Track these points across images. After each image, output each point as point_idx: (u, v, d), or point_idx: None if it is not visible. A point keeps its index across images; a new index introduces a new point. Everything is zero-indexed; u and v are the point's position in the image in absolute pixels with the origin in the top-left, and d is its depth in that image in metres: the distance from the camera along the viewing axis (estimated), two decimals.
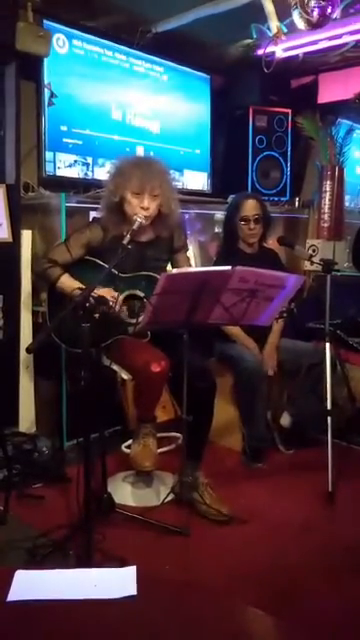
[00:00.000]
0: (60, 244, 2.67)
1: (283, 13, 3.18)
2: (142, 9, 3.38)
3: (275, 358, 3.17)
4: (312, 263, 3.08)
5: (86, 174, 3.47)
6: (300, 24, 3.03)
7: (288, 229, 4.46)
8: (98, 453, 2.35)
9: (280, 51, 3.61)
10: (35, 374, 3.19)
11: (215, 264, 3.32)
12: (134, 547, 2.22)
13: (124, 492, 2.66)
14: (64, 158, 3.36)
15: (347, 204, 4.39)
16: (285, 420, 3.23)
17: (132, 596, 1.11)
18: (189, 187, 4.09)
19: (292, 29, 3.28)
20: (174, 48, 3.80)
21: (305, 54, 3.84)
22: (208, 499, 2.52)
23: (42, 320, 3.11)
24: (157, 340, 2.57)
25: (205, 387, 2.52)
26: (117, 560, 2.05)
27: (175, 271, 2.56)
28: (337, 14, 3.13)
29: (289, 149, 4.31)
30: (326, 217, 4.04)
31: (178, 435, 2.88)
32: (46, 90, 3.23)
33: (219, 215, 4.05)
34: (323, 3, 2.87)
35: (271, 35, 3.33)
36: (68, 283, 2.54)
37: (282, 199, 4.34)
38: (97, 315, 2.23)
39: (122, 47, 3.60)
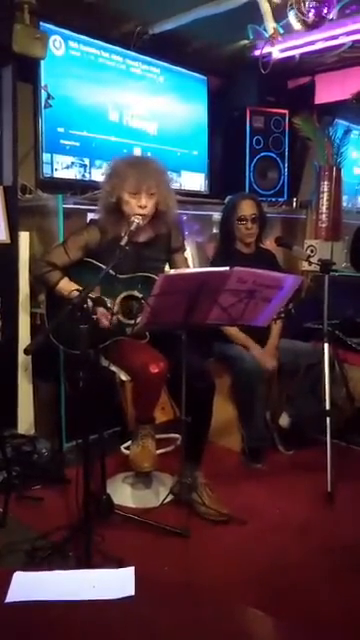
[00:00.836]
0: (58, 246, 2.67)
1: (279, 14, 3.18)
2: (138, 11, 3.38)
3: (276, 356, 3.16)
4: (310, 263, 3.09)
5: (83, 176, 3.47)
6: (296, 25, 3.04)
7: (286, 230, 4.46)
8: (97, 454, 2.34)
9: (277, 52, 3.62)
10: (34, 376, 3.19)
11: (212, 265, 3.32)
12: (133, 548, 2.22)
13: (123, 493, 2.66)
14: (61, 160, 3.36)
15: (345, 204, 4.39)
16: (284, 420, 3.23)
17: (130, 597, 1.11)
18: (186, 188, 4.09)
19: (288, 30, 3.29)
20: (171, 49, 3.80)
21: (302, 55, 3.86)
22: (207, 500, 2.52)
23: (40, 322, 3.11)
24: (155, 341, 2.57)
25: (204, 388, 2.52)
26: (117, 561, 2.05)
27: (173, 272, 2.56)
28: (333, 15, 3.14)
29: (286, 150, 4.31)
30: (324, 217, 4.04)
31: (177, 436, 2.88)
32: (43, 92, 3.23)
33: (217, 216, 4.04)
34: (318, 4, 2.88)
35: (268, 36, 3.33)
36: (66, 286, 2.53)
37: (280, 200, 4.35)
38: (95, 317, 2.23)
39: (119, 49, 3.61)
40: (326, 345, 2.85)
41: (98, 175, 3.42)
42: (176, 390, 2.40)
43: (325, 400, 2.77)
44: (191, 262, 3.81)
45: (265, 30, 3.37)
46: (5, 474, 2.65)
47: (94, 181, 3.39)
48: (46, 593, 1.12)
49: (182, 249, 2.83)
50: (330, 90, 4.29)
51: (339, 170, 4.04)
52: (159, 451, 2.62)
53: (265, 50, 3.52)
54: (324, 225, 4.04)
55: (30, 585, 1.15)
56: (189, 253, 3.83)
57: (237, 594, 2.02)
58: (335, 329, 3.04)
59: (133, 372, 2.51)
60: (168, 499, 2.56)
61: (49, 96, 3.26)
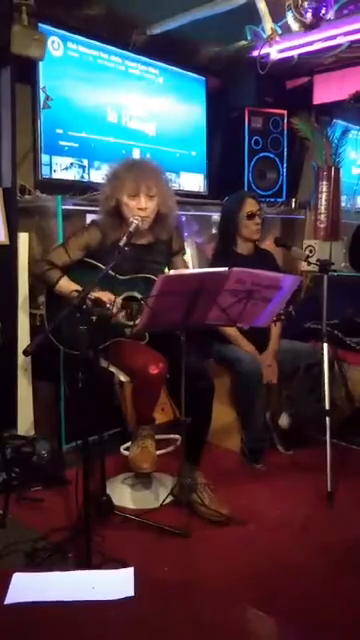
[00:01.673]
0: (59, 246, 2.68)
1: (277, 14, 3.18)
2: (137, 11, 3.38)
3: (276, 367, 3.15)
4: (309, 263, 3.09)
5: (82, 177, 3.47)
6: (294, 25, 3.04)
7: (285, 230, 4.47)
8: (97, 455, 2.34)
9: (275, 52, 3.61)
10: (33, 377, 3.19)
11: (211, 266, 3.32)
12: (133, 549, 2.22)
13: (123, 494, 2.66)
14: (60, 161, 3.36)
15: (343, 204, 4.39)
16: (284, 421, 3.22)
17: (130, 597, 1.12)
18: (185, 189, 4.09)
19: (287, 30, 3.29)
20: (169, 50, 3.80)
21: (300, 55, 3.86)
22: (207, 500, 2.52)
23: (40, 322, 3.11)
24: (155, 342, 2.57)
25: (203, 388, 2.53)
26: (117, 562, 2.05)
27: (172, 273, 2.55)
28: (331, 15, 3.14)
29: (285, 150, 4.32)
30: (322, 217, 4.04)
31: (177, 437, 2.88)
32: (41, 93, 3.23)
33: (216, 217, 4.05)
34: (316, 4, 2.88)
35: (266, 36, 3.34)
36: (66, 286, 2.54)
37: (278, 200, 4.35)
38: (94, 317, 2.23)
39: (117, 49, 3.61)
40: (325, 345, 2.85)
41: (97, 176, 3.42)
42: (176, 391, 2.41)
43: (325, 400, 2.77)
44: (190, 263, 3.82)
45: (263, 30, 3.37)
46: (5, 475, 2.65)
47: (93, 182, 3.39)
48: (46, 594, 1.13)
49: (182, 252, 2.83)
50: (328, 90, 4.29)
51: (337, 170, 4.05)
52: (159, 452, 2.62)
53: (263, 51, 3.51)
54: (323, 225, 4.04)
55: (30, 586, 1.15)
56: (188, 254, 3.84)
57: (237, 594, 2.01)
58: (334, 329, 3.04)
59: (133, 373, 2.51)
60: (168, 500, 2.56)
61: (47, 97, 3.26)
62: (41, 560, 2.11)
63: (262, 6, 3.14)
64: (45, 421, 3.22)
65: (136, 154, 3.72)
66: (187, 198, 3.88)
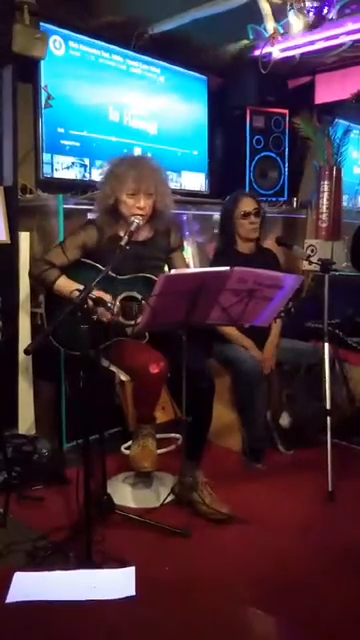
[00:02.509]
0: (56, 246, 2.67)
1: (279, 14, 3.18)
2: (138, 11, 3.38)
3: (274, 358, 3.16)
4: (310, 263, 3.09)
5: (84, 176, 3.47)
6: (296, 25, 3.04)
7: (286, 229, 4.46)
8: (98, 454, 2.34)
9: (277, 52, 3.62)
10: (34, 376, 3.19)
11: (212, 265, 3.32)
12: (134, 548, 2.22)
13: (124, 493, 2.66)
14: (61, 160, 3.36)
15: (345, 204, 4.39)
16: (284, 420, 3.22)
17: (131, 597, 1.12)
18: (187, 188, 4.09)
19: (288, 30, 3.29)
20: (171, 49, 3.80)
21: (302, 54, 3.85)
22: (208, 499, 2.52)
23: (40, 322, 3.11)
24: (155, 341, 2.57)
25: (204, 388, 2.52)
26: (117, 561, 2.05)
27: (173, 272, 2.55)
28: (333, 14, 3.14)
29: (287, 149, 4.32)
30: (324, 217, 4.04)
31: (177, 436, 2.88)
32: (43, 92, 3.23)
33: (217, 216, 4.04)
34: (319, 4, 2.88)
35: (268, 36, 3.34)
36: (66, 285, 2.53)
37: (280, 199, 4.35)
38: (95, 317, 2.23)
39: (119, 49, 3.61)
40: (326, 345, 2.84)
41: (98, 175, 3.42)
42: (176, 390, 2.40)
43: (325, 399, 2.77)
44: (191, 262, 3.81)
45: (265, 30, 3.38)
46: (5, 474, 2.65)
47: (94, 181, 3.38)
48: (47, 593, 1.13)
49: (180, 248, 2.83)
50: (330, 90, 4.28)
51: (339, 170, 4.04)
52: (160, 451, 2.62)
53: (265, 50, 3.52)
54: (324, 225, 4.04)
55: (31, 585, 1.15)
56: (189, 253, 3.83)
57: (238, 594, 2.01)
58: (335, 329, 3.04)
59: (133, 372, 2.51)
60: (169, 499, 2.56)
61: (49, 96, 3.26)
62: (42, 559, 2.11)
63: (264, 5, 3.14)
64: (46, 420, 3.22)
65: (137, 153, 3.71)
66: (188, 197, 3.88)
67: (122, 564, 2.04)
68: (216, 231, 4.05)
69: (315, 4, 2.91)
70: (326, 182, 4.03)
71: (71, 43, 3.36)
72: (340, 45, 3.73)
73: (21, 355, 3.08)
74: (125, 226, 2.46)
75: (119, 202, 2.53)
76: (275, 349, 3.18)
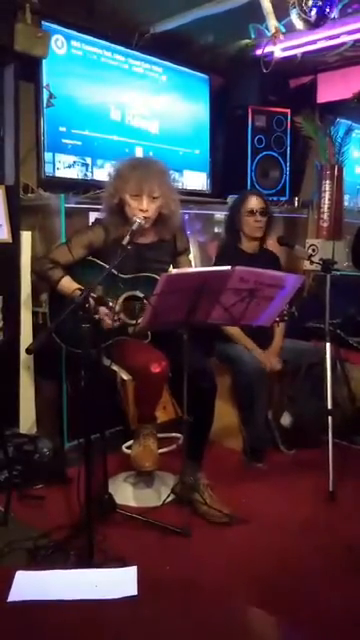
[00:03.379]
0: (62, 245, 2.68)
1: (281, 13, 3.18)
2: (140, 10, 3.38)
3: (280, 363, 3.15)
4: (312, 263, 3.08)
5: (85, 175, 3.47)
6: (298, 24, 3.04)
7: (287, 229, 4.46)
8: (99, 454, 2.35)
9: (279, 51, 3.62)
10: (36, 375, 3.19)
11: (216, 264, 3.33)
12: (135, 548, 2.22)
13: (125, 492, 2.66)
14: (63, 159, 3.36)
15: (346, 203, 4.39)
16: (286, 420, 3.23)
17: (133, 596, 1.12)
18: (188, 187, 4.09)
19: (290, 29, 3.28)
20: (173, 49, 3.80)
21: (304, 54, 3.85)
22: (209, 499, 2.52)
23: (42, 321, 3.11)
24: (157, 340, 2.57)
25: (205, 387, 2.53)
26: (118, 561, 2.05)
27: (175, 271, 2.56)
28: (335, 14, 3.14)
29: (288, 149, 4.31)
30: (325, 217, 4.04)
31: (179, 435, 2.88)
32: (45, 91, 3.23)
33: (219, 215, 4.05)
34: (321, 3, 2.88)
35: (269, 35, 3.33)
36: (69, 285, 2.54)
37: (281, 199, 4.35)
38: (97, 316, 2.23)
39: (121, 48, 3.60)
40: (328, 344, 2.84)
41: (100, 174, 3.42)
42: (178, 389, 2.40)
43: (327, 399, 2.77)
44: (193, 261, 3.81)
45: (267, 29, 3.37)
46: (7, 473, 2.65)
47: (96, 180, 3.39)
48: (48, 592, 1.13)
49: (187, 251, 2.84)
50: (332, 89, 4.28)
51: (341, 169, 4.04)
52: (161, 450, 2.62)
53: (267, 49, 3.51)
54: (326, 224, 4.04)
55: (32, 584, 1.16)
56: (191, 252, 3.83)
57: (239, 593, 2.01)
58: (337, 328, 3.04)
59: (135, 371, 2.51)
60: (170, 499, 2.56)
61: (51, 95, 3.26)
62: (43, 558, 2.11)
63: (266, 4, 3.14)
64: (47, 419, 3.22)
65: (139, 152, 3.71)
66: (190, 197, 3.88)
67: (123, 563, 2.04)
68: (218, 230, 4.06)
69: (317, 3, 2.90)
70: (328, 182, 4.03)
71: (73, 42, 3.36)
72: (342, 44, 3.73)
73: (23, 354, 3.08)
74: (130, 228, 2.46)
75: (123, 203, 2.53)
76: (280, 352, 3.17)
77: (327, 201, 4.03)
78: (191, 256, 3.76)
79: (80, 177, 3.45)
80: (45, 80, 3.23)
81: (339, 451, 2.82)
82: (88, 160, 3.48)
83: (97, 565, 2.02)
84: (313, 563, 2.22)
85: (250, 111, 4.13)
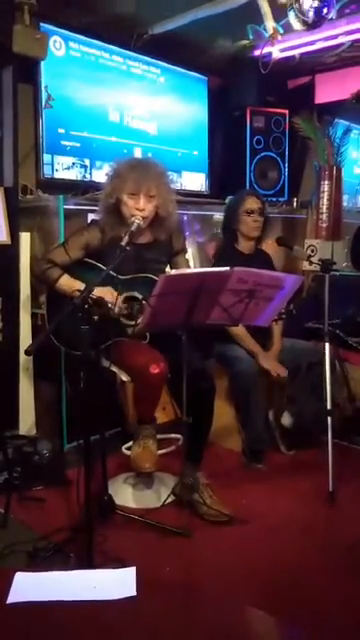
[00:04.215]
0: (59, 246, 2.68)
1: (279, 14, 3.18)
2: (138, 11, 3.38)
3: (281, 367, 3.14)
4: (311, 263, 3.08)
5: (84, 176, 3.48)
6: (296, 25, 3.04)
7: (286, 229, 4.46)
8: (98, 455, 2.35)
9: (277, 52, 3.62)
10: (35, 376, 3.19)
11: (214, 265, 3.32)
12: (135, 548, 2.22)
13: (125, 494, 2.66)
14: (62, 160, 3.37)
15: (345, 204, 4.39)
16: (286, 420, 3.22)
17: (132, 597, 1.11)
18: (187, 188, 4.09)
19: (288, 30, 3.29)
20: (171, 50, 3.80)
21: (302, 55, 3.86)
22: (208, 500, 2.52)
23: (41, 322, 3.11)
24: (156, 341, 2.57)
25: (205, 388, 2.53)
26: (118, 562, 2.05)
27: (174, 272, 2.55)
28: (333, 15, 3.14)
29: (287, 149, 4.32)
30: (324, 217, 4.04)
31: (178, 436, 2.88)
32: (43, 93, 3.24)
33: (217, 216, 4.05)
34: (318, 4, 2.88)
35: (267, 36, 3.34)
36: (68, 284, 2.54)
37: (280, 199, 4.35)
38: (96, 317, 2.23)
39: (119, 49, 3.61)
40: (327, 345, 2.84)
41: (99, 176, 3.43)
42: (177, 390, 2.40)
43: (326, 400, 2.77)
44: (192, 262, 3.81)
45: (265, 30, 3.37)
46: (6, 475, 2.65)
47: (95, 182, 3.39)
48: (47, 594, 1.12)
49: (183, 251, 2.83)
50: (330, 90, 4.29)
51: (339, 170, 4.04)
52: (160, 451, 2.62)
53: (265, 50, 3.52)
54: (324, 225, 4.04)
55: (31, 586, 1.15)
56: (190, 253, 3.83)
57: (238, 594, 2.02)
58: (336, 329, 3.04)
59: (134, 373, 2.51)
60: (169, 500, 2.56)
61: (49, 97, 3.26)
62: (42, 560, 2.12)
63: (264, 5, 3.14)
64: (46, 421, 3.22)
65: (138, 153, 3.72)
66: (189, 197, 3.88)
67: (123, 564, 2.03)
68: (216, 231, 4.06)
69: (315, 4, 2.91)
70: (326, 182, 4.03)
71: (71, 44, 3.36)
72: (340, 45, 3.74)
73: (22, 356, 3.09)
74: (127, 227, 2.46)
75: (120, 202, 2.53)
76: (277, 355, 3.17)
77: (326, 201, 4.03)
78: (189, 257, 3.77)
79: (79, 178, 3.45)
80: (44, 82, 3.24)
81: (339, 451, 2.82)
82: (87, 161, 3.48)
83: (96, 566, 2.02)
84: (313, 563, 2.22)
85: (248, 112, 4.13)
